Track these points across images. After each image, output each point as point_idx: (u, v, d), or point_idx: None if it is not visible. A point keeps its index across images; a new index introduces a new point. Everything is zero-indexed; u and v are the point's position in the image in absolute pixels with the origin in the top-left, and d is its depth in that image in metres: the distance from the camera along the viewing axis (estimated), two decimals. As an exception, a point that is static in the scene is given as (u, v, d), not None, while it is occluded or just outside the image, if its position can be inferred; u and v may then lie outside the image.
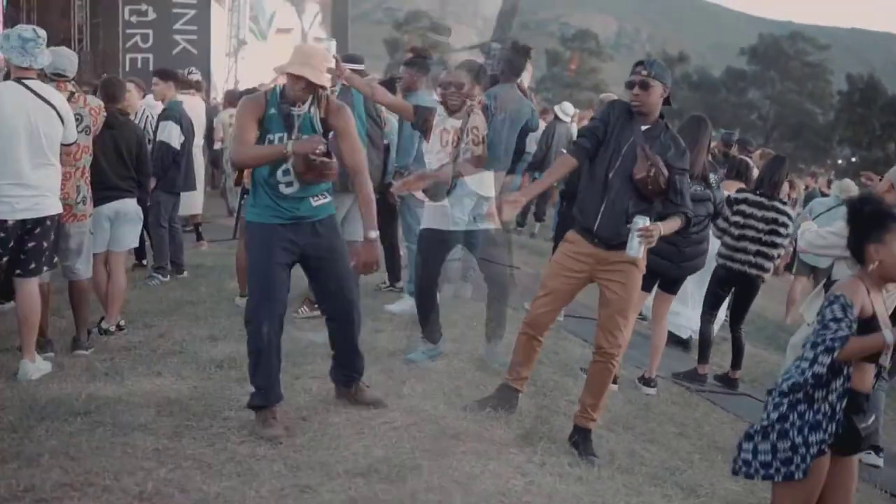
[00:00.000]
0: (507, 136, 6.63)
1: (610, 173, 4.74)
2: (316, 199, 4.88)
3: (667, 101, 4.85)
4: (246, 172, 5.42)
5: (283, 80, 4.81)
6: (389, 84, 8.36)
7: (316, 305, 7.41)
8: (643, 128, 4.80)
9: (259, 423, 4.75)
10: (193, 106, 9.83)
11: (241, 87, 15.42)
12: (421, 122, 6.06)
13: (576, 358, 6.91)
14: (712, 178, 6.62)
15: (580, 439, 4.83)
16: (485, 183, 5.95)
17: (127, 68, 20.53)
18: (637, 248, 4.51)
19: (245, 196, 6.61)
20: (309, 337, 6.28)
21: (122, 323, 6.67)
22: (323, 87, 4.77)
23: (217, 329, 6.69)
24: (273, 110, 4.73)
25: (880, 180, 7.24)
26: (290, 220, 4.81)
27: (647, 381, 6.63)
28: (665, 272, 6.44)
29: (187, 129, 8.68)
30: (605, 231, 4.74)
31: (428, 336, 6.10)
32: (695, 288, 7.73)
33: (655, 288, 6.61)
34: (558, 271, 4.84)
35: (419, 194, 6.13)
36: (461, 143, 5.88)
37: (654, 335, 6.77)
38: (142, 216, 6.82)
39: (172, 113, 8.49)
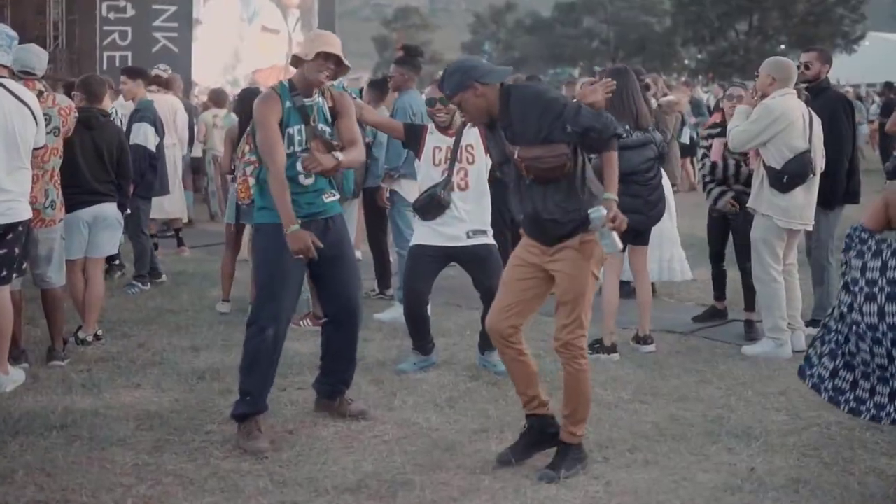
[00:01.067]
0: None
1: (520, 180, 4.58)
2: (328, 195, 4.94)
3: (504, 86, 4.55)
4: (244, 187, 5.42)
5: (280, 76, 4.87)
6: (382, 83, 8.38)
7: (320, 320, 7.44)
8: (499, 123, 4.52)
9: (243, 436, 4.74)
10: (164, 104, 9.84)
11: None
12: (414, 141, 6.05)
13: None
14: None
15: (557, 453, 4.55)
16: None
17: (104, 66, 20.53)
18: (612, 242, 4.30)
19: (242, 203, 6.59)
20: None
21: (100, 332, 6.66)
22: (345, 70, 4.90)
23: (199, 339, 6.69)
24: (288, 103, 4.80)
25: (743, 89, 7.44)
26: (307, 216, 4.81)
27: (643, 340, 6.71)
28: (638, 225, 6.49)
29: (161, 131, 8.67)
30: (536, 234, 4.62)
31: (419, 348, 6.10)
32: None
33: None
34: (513, 262, 4.62)
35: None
36: (455, 162, 5.90)
37: (638, 291, 6.84)
38: (122, 221, 6.80)
39: (146, 114, 8.46)
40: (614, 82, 5.12)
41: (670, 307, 8.24)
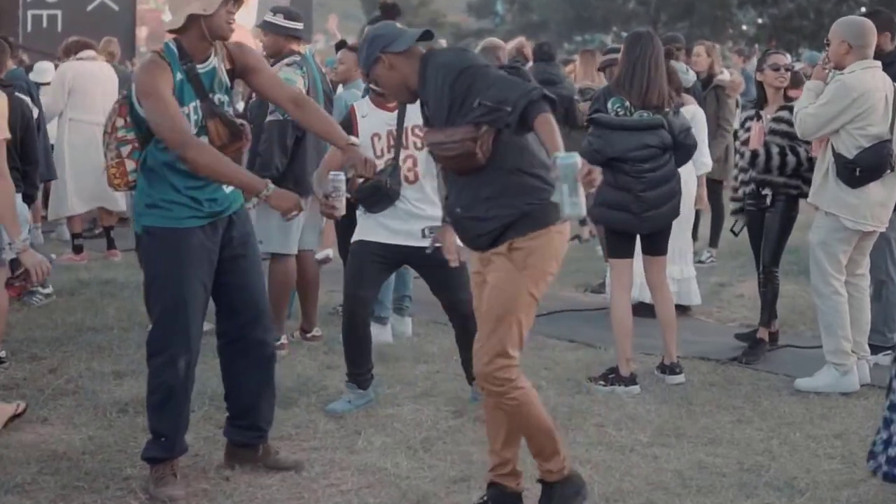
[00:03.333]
0: None
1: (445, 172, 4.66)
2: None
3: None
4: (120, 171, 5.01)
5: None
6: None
7: (308, 334, 7.46)
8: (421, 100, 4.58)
9: (153, 481, 4.74)
10: (85, 73, 9.96)
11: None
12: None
13: (573, 365, 6.98)
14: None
15: (542, 496, 4.58)
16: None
17: (28, 28, 20.55)
18: (576, 202, 3.87)
19: None
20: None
21: (3, 354, 6.65)
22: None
23: (124, 363, 6.69)
24: (179, 75, 4.68)
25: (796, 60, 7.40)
26: (209, 216, 4.78)
27: (670, 369, 6.69)
28: (625, 226, 6.52)
29: (37, 101, 8.68)
30: (463, 237, 4.62)
31: (355, 379, 6.00)
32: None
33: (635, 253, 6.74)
34: (474, 280, 4.63)
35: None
36: (400, 149, 5.91)
37: (658, 309, 6.82)
38: (28, 217, 6.80)
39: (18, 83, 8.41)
40: None
41: (708, 329, 8.25)
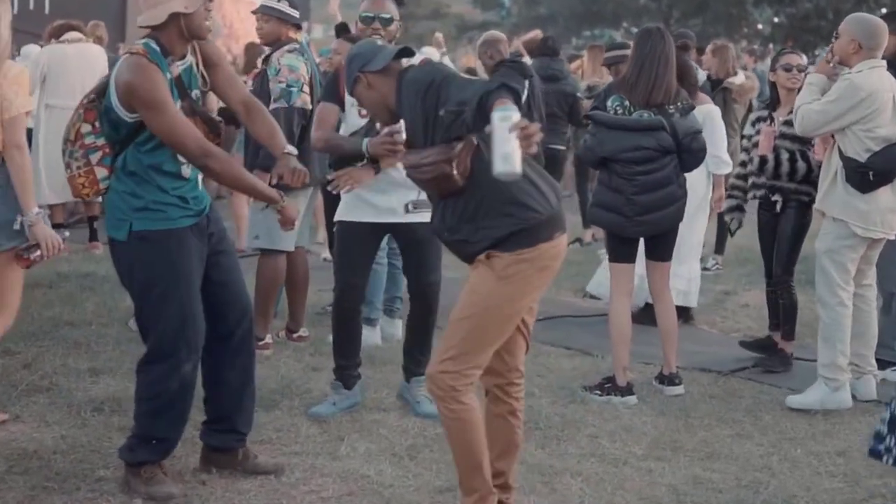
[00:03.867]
0: None
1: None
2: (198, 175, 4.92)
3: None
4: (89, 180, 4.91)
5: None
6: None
7: (294, 334, 7.46)
8: None
9: (143, 482, 4.75)
10: (71, 56, 9.99)
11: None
12: (331, 92, 6.00)
13: (568, 373, 7.00)
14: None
15: None
16: None
17: (15, 10, 20.56)
18: (507, 156, 3.77)
19: None
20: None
21: (-25, 348, 6.66)
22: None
23: (101, 360, 6.71)
24: (168, 74, 4.69)
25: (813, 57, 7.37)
26: (197, 215, 4.82)
27: (669, 379, 6.70)
28: (617, 229, 6.55)
29: None
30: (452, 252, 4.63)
31: (341, 377, 6.03)
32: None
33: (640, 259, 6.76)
34: None
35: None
36: None
37: (660, 317, 6.82)
38: None
39: None
40: None
41: (710, 339, 8.27)
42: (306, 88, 6.94)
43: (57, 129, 9.86)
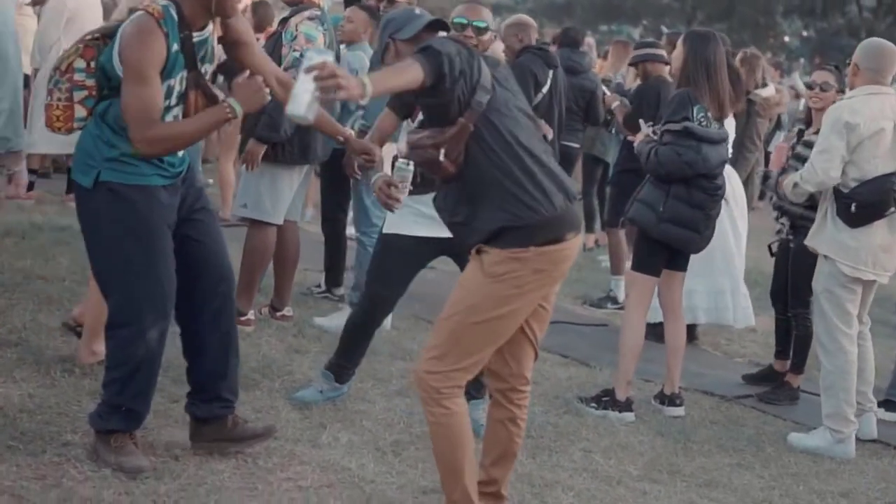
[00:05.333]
0: None
1: None
2: None
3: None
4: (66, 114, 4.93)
5: None
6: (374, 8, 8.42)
7: (278, 312, 7.45)
8: None
9: (112, 450, 4.76)
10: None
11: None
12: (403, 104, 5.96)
13: (563, 383, 7.04)
14: None
15: None
16: None
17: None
18: (297, 98, 3.88)
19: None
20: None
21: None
22: None
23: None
24: (175, 46, 4.67)
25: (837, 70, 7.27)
26: (172, 178, 4.84)
27: (670, 399, 6.74)
28: (688, 246, 6.57)
29: None
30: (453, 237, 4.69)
31: (338, 371, 5.97)
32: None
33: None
34: None
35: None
36: None
37: (668, 332, 6.86)
38: None
39: None
40: None
41: (714, 362, 8.31)
42: None
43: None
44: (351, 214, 8.21)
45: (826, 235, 6.35)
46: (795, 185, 6.43)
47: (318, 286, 8.43)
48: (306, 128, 6.89)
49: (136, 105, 4.61)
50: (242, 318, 6.81)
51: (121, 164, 4.71)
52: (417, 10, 4.88)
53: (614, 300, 9.44)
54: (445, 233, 5.57)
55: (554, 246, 4.32)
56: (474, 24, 5.78)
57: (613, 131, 10.77)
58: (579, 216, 4.47)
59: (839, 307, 6.34)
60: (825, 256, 6.36)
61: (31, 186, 10.33)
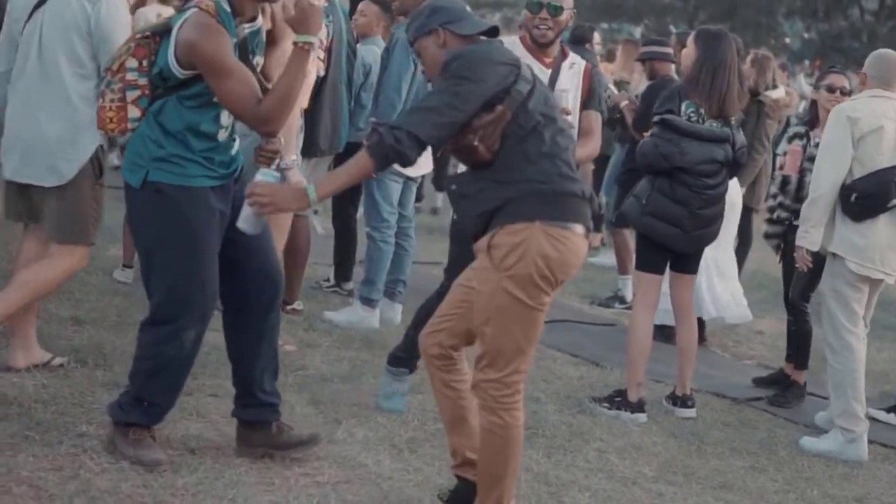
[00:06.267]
0: None
1: None
2: (234, 142, 4.96)
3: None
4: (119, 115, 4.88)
5: None
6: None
7: (288, 307, 7.44)
8: None
9: (130, 443, 4.77)
10: None
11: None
12: None
13: (574, 382, 7.05)
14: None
15: None
16: None
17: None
18: (247, 216, 4.52)
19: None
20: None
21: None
22: None
23: (84, 309, 6.74)
24: (233, 39, 4.68)
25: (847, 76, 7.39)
26: (221, 178, 4.84)
27: (681, 401, 6.75)
28: (672, 243, 6.56)
29: None
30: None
31: (406, 363, 5.86)
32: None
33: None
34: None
35: None
36: None
37: (679, 334, 6.89)
38: None
39: None
40: None
41: (722, 363, 8.32)
42: (321, 54, 6.94)
43: None
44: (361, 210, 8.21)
45: (834, 234, 6.42)
46: (811, 200, 6.45)
47: (327, 280, 8.43)
48: (310, 122, 6.93)
49: (235, 98, 4.63)
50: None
51: (168, 165, 4.71)
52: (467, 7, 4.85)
53: (622, 300, 9.45)
54: None
55: (560, 229, 4.29)
56: (551, 4, 5.76)
57: (615, 134, 10.66)
58: (589, 217, 4.45)
59: (846, 306, 6.41)
60: (833, 255, 6.42)
61: None
